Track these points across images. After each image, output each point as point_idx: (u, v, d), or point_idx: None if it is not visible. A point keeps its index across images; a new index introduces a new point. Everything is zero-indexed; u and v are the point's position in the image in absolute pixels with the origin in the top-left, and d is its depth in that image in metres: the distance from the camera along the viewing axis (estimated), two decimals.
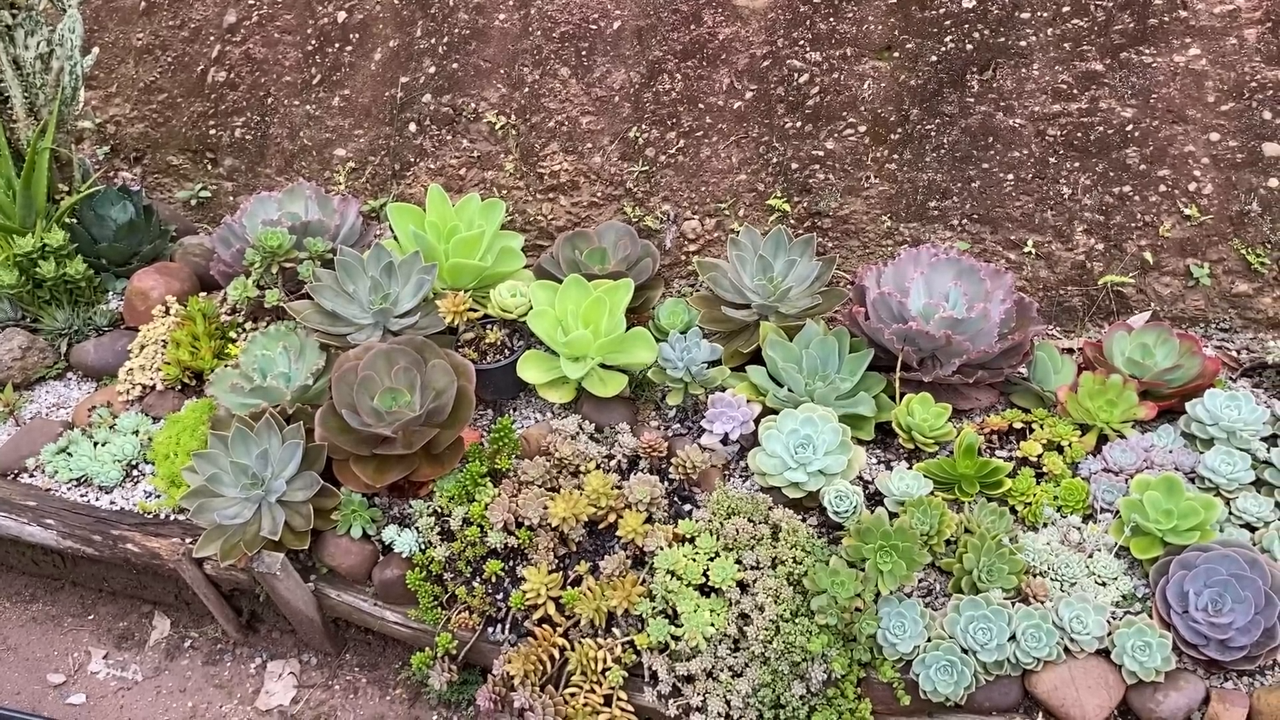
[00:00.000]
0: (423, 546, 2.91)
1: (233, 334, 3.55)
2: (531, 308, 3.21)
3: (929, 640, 2.54)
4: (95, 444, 3.35)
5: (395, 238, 3.74)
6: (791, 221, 3.78)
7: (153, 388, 3.46)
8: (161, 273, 3.80)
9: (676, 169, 3.92)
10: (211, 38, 4.57)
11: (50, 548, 3.25)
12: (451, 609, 2.89)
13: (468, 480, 2.91)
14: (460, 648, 2.84)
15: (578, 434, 3.03)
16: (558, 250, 3.45)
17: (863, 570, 2.55)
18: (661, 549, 2.73)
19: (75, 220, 3.90)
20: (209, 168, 4.52)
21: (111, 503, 3.24)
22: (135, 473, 3.31)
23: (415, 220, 3.52)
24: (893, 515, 2.75)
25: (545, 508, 2.83)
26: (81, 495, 3.28)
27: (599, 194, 4.02)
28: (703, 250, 3.88)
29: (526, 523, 2.83)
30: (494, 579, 2.85)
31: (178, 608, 3.35)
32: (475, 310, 3.21)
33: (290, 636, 3.24)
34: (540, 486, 2.91)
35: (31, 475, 3.37)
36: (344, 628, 3.20)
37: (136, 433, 3.35)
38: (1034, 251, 3.51)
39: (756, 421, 2.95)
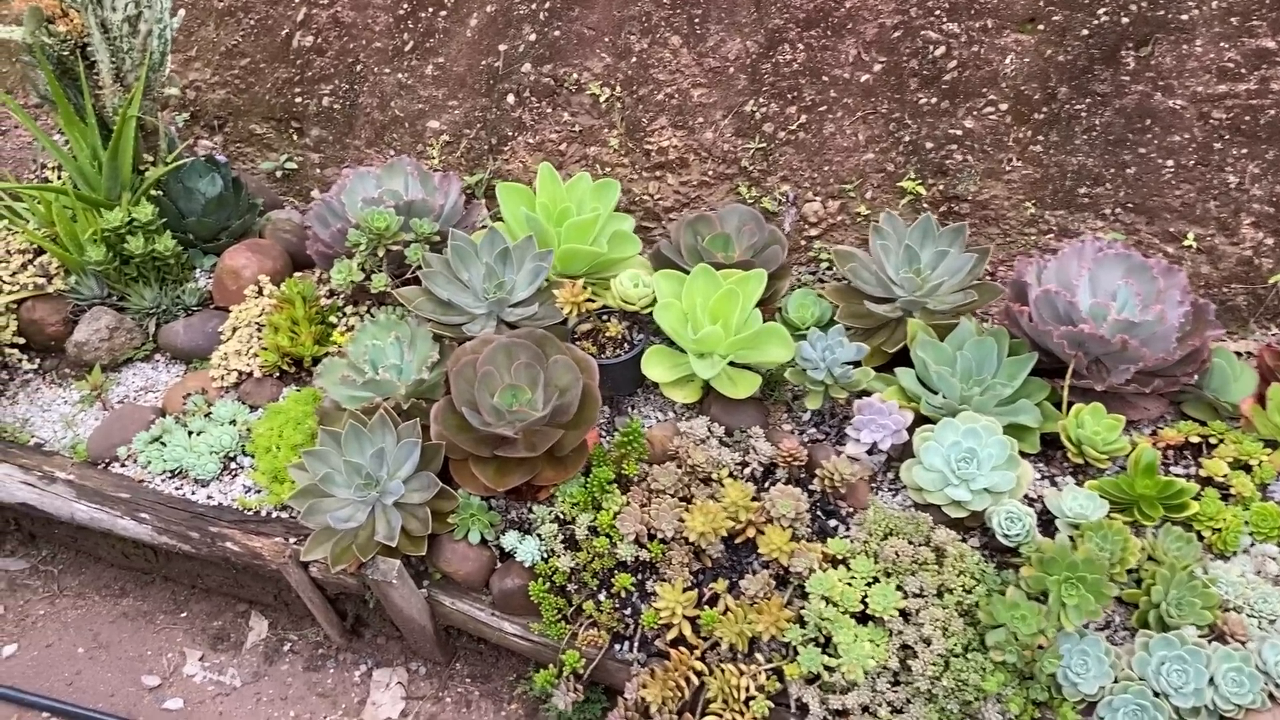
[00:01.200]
0: (545, 555, 2.70)
1: (332, 318, 3.33)
2: (655, 299, 2.97)
3: (1115, 681, 2.30)
4: (190, 433, 3.15)
5: (499, 219, 3.51)
6: (925, 206, 3.50)
7: (249, 374, 3.26)
8: (253, 250, 3.58)
9: (797, 146, 3.65)
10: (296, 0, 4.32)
11: (144, 543, 3.07)
12: (576, 623, 2.67)
13: (594, 486, 2.69)
14: (586, 665, 2.63)
15: (708, 438, 2.79)
16: (677, 235, 3.20)
17: (1043, 603, 2.30)
18: (813, 571, 2.49)
19: (161, 193, 3.69)
20: (294, 138, 4.29)
21: (209, 497, 3.04)
22: (233, 465, 3.12)
23: (526, 201, 3.28)
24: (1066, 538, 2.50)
25: (681, 520, 2.61)
26: (176, 488, 3.09)
27: (710, 172, 3.76)
28: (825, 235, 3.61)
29: (659, 535, 2.61)
30: (623, 594, 2.63)
31: (276, 608, 3.16)
32: (594, 301, 2.97)
33: (397, 643, 3.04)
34: (672, 495, 2.68)
35: (123, 465, 3.18)
36: (455, 636, 2.99)
37: (234, 422, 3.15)
38: (1195, 245, 3.21)
39: (909, 430, 2.69)
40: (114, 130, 3.62)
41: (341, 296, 3.38)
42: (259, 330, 3.35)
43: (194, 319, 3.49)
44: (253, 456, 3.09)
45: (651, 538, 2.62)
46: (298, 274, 3.57)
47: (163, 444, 3.14)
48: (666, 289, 2.96)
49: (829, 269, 3.55)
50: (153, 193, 3.67)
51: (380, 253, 3.17)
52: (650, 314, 2.98)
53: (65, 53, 3.52)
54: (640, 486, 2.72)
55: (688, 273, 3.07)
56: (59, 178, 3.87)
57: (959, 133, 3.46)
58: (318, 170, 4.23)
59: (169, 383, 3.45)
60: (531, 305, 2.98)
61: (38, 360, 3.56)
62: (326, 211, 3.39)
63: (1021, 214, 3.39)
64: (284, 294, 3.29)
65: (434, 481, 2.70)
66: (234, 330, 3.41)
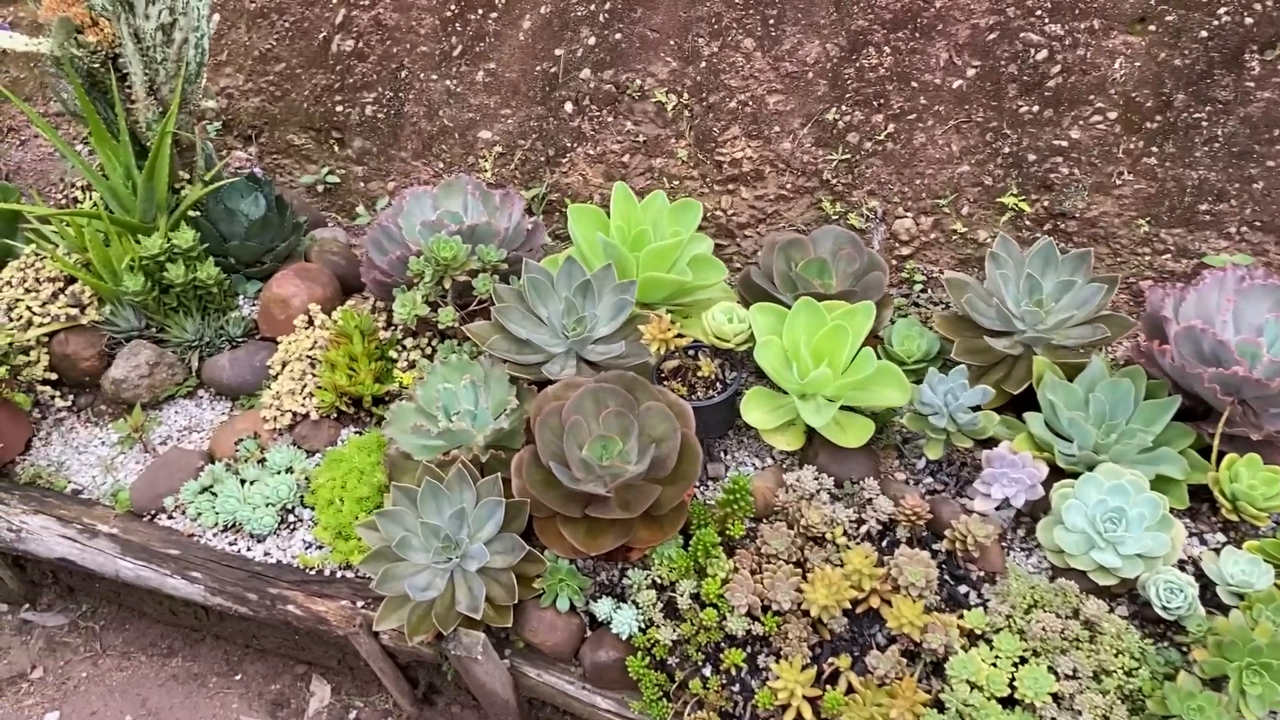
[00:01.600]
0: (643, 626, 2.45)
1: (392, 353, 3.07)
2: (751, 335, 2.71)
3: None
4: (243, 482, 2.90)
5: (560, 236, 3.24)
6: (1027, 223, 3.24)
7: (305, 416, 3.00)
8: (302, 276, 3.32)
9: (885, 158, 3.38)
10: (334, 0, 4.05)
11: (195, 603, 2.82)
12: (679, 701, 2.43)
13: (698, 550, 2.43)
14: None
15: (817, 491, 2.54)
16: (768, 261, 2.93)
17: (1218, 690, 2.05)
18: (950, 650, 2.24)
19: (199, 214, 3.43)
20: (335, 149, 4.02)
21: (266, 554, 2.79)
22: (291, 518, 2.87)
23: (599, 224, 3.01)
24: (1226, 608, 2.25)
25: (798, 590, 2.36)
26: (230, 542, 2.84)
27: (789, 185, 3.49)
28: (918, 254, 3.35)
29: (774, 607, 2.36)
30: (733, 670, 2.38)
31: (339, 672, 2.92)
32: (683, 336, 2.71)
33: (473, 712, 2.80)
34: (785, 560, 2.43)
35: (171, 516, 2.93)
36: (538, 707, 2.75)
37: (290, 470, 2.90)
38: None
39: (1045, 484, 2.44)
40: (149, 148, 3.36)
41: (400, 329, 3.12)
42: (312, 365, 3.10)
43: (239, 352, 3.23)
44: (313, 509, 2.84)
45: (765, 609, 2.37)
46: (349, 302, 3.31)
47: (213, 494, 2.89)
48: (765, 325, 2.70)
49: (923, 291, 3.28)
50: (190, 214, 3.41)
51: (446, 284, 2.91)
52: (742, 349, 2.72)
53: (95, 65, 3.25)
54: (748, 550, 2.47)
55: (781, 303, 2.82)
56: (88, 198, 3.60)
57: (1064, 144, 3.19)
58: (361, 184, 3.96)
59: (214, 421, 3.20)
60: (616, 342, 2.72)
61: (70, 397, 3.31)
62: (383, 237, 3.13)
63: (1134, 232, 3.12)
64: (340, 327, 3.03)
65: (519, 544, 2.45)
66: (284, 365, 3.15)
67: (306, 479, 2.88)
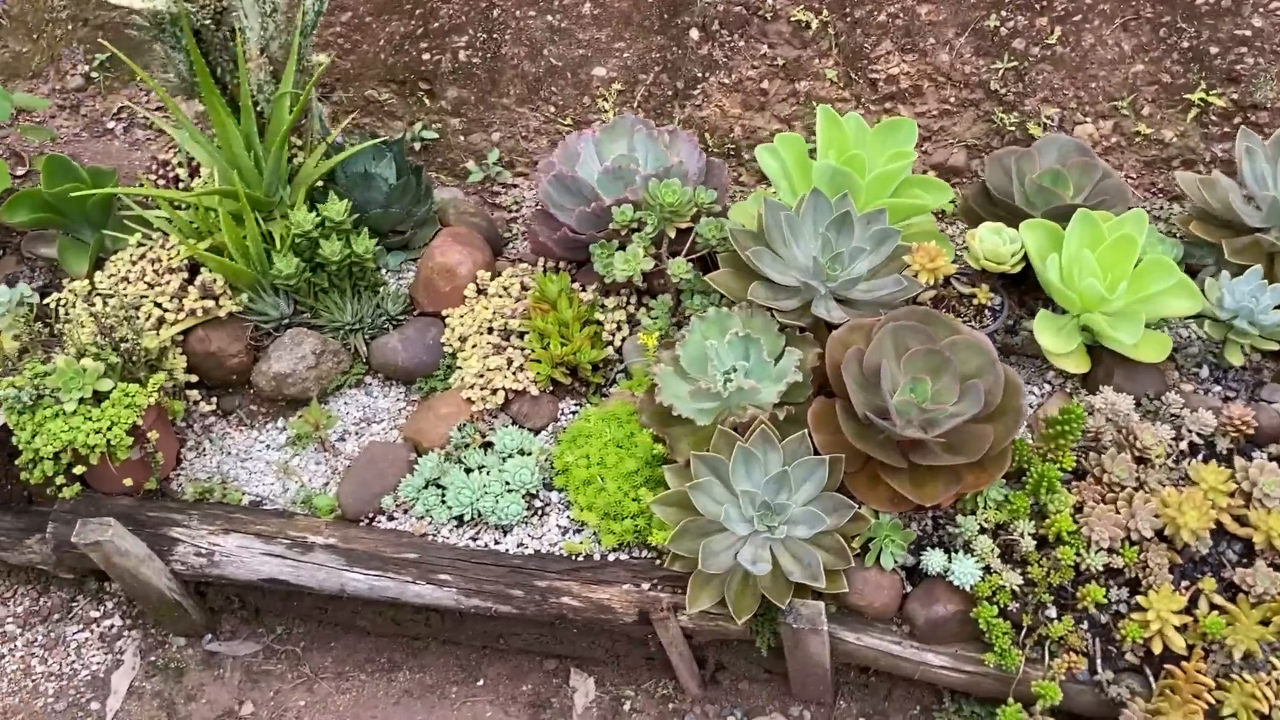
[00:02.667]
0: (982, 574, 2.29)
1: (597, 316, 2.80)
2: (1024, 256, 2.54)
3: None
4: (469, 471, 2.61)
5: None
6: (1214, 118, 3.13)
7: (521, 392, 2.71)
8: (462, 242, 3.00)
9: (1054, 62, 3.22)
10: None
11: (442, 609, 2.54)
12: (1026, 648, 2.28)
13: (1038, 487, 2.28)
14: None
15: (1128, 412, 2.40)
16: (1000, 177, 2.76)
17: None
18: None
19: (324, 185, 3.06)
20: (425, 101, 3.65)
21: (520, 545, 2.52)
22: (537, 503, 2.60)
23: (801, 155, 2.77)
24: None
25: (1157, 516, 2.23)
26: (471, 538, 2.56)
27: (951, 99, 3.31)
28: (1103, 159, 3.21)
29: (1133, 536, 2.23)
30: (1091, 607, 2.24)
31: (601, 662, 2.67)
32: (957, 262, 2.53)
33: (763, 687, 2.60)
34: (1132, 488, 2.30)
35: (392, 518, 2.63)
36: (839, 672, 2.57)
37: (525, 452, 2.62)
38: None
39: None
40: (263, 114, 2.97)
41: (596, 290, 2.85)
42: (504, 337, 2.81)
43: (408, 331, 2.90)
44: (562, 491, 2.58)
45: (1126, 540, 2.23)
46: (521, 264, 3.01)
47: (440, 487, 2.59)
48: (1037, 242, 2.53)
49: None
50: (318, 184, 3.04)
51: (671, 232, 2.65)
52: (1015, 271, 2.56)
53: (206, 20, 2.84)
54: (1089, 482, 2.32)
55: (1008, 219, 2.66)
56: (195, 179, 3.18)
57: (1247, 33, 3.09)
58: (461, 138, 3.61)
59: (391, 410, 2.88)
60: (882, 278, 2.51)
61: (214, 399, 2.93)
62: (559, 190, 2.83)
63: None
64: (542, 293, 2.74)
65: (844, 503, 2.26)
66: (462, 340, 2.84)
67: (548, 460, 2.60)
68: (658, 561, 2.46)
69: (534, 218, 2.92)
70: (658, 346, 2.54)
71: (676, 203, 2.59)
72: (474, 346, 2.82)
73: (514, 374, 2.71)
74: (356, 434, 2.85)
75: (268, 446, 2.86)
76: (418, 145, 3.63)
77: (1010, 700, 2.26)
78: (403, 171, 3.09)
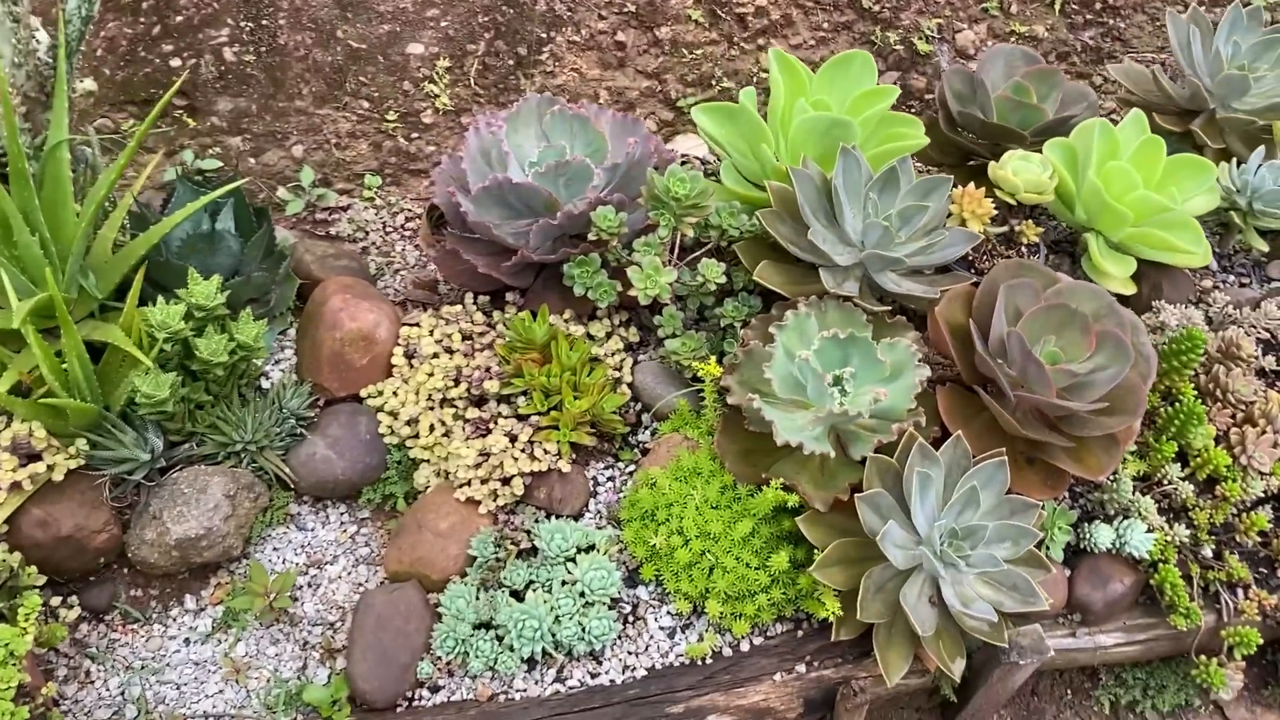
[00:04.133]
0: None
1: (595, 351, 2.21)
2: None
3: None
4: (516, 594, 1.96)
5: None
6: (1074, 7, 3.07)
7: (545, 472, 2.07)
8: (362, 295, 2.25)
9: None
10: None
11: None
12: (1196, 600, 2.09)
13: (1184, 424, 2.06)
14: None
15: (1200, 323, 2.26)
16: (954, 103, 2.48)
17: None
18: None
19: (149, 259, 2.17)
20: (187, 121, 2.74)
21: (626, 670, 1.93)
22: (622, 608, 2.00)
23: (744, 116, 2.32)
24: None
25: None
26: (555, 681, 1.92)
27: (825, 25, 3.00)
28: None
29: None
30: (1255, 537, 2.09)
31: None
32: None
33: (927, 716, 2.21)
34: (1248, 401, 2.15)
35: (437, 688, 1.91)
36: None
37: (589, 548, 2.00)
38: None
39: None
40: (42, 166, 2.03)
41: (571, 318, 2.25)
42: (473, 406, 2.14)
43: (332, 429, 2.14)
44: (652, 583, 2.00)
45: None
46: (413, 315, 2.32)
47: (491, 626, 1.92)
48: (1063, 163, 2.30)
49: None
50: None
51: (688, 231, 2.11)
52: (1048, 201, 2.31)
53: None
54: (1222, 406, 2.14)
55: (985, 149, 2.43)
56: None
57: None
58: (252, 161, 2.75)
59: (341, 541, 2.12)
60: (942, 236, 2.15)
61: (75, 598, 2.00)
62: (491, 204, 2.19)
63: None
64: (523, 339, 2.10)
65: (1024, 504, 1.91)
66: (411, 424, 2.14)
67: (620, 548, 2.01)
68: (799, 632, 1.98)
69: (469, 243, 2.23)
70: (724, 372, 2.02)
71: (689, 194, 2.05)
72: (433, 428, 2.12)
73: (527, 451, 2.07)
74: (310, 586, 2.07)
75: (188, 641, 2.00)
76: (192, 178, 2.71)
77: (1201, 657, 2.07)
78: (247, 221, 2.25)
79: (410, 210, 2.73)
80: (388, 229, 2.68)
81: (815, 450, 1.86)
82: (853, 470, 1.94)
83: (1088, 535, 2.04)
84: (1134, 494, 2.05)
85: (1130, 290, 2.31)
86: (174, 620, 2.02)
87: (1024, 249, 2.31)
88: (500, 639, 1.91)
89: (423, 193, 2.77)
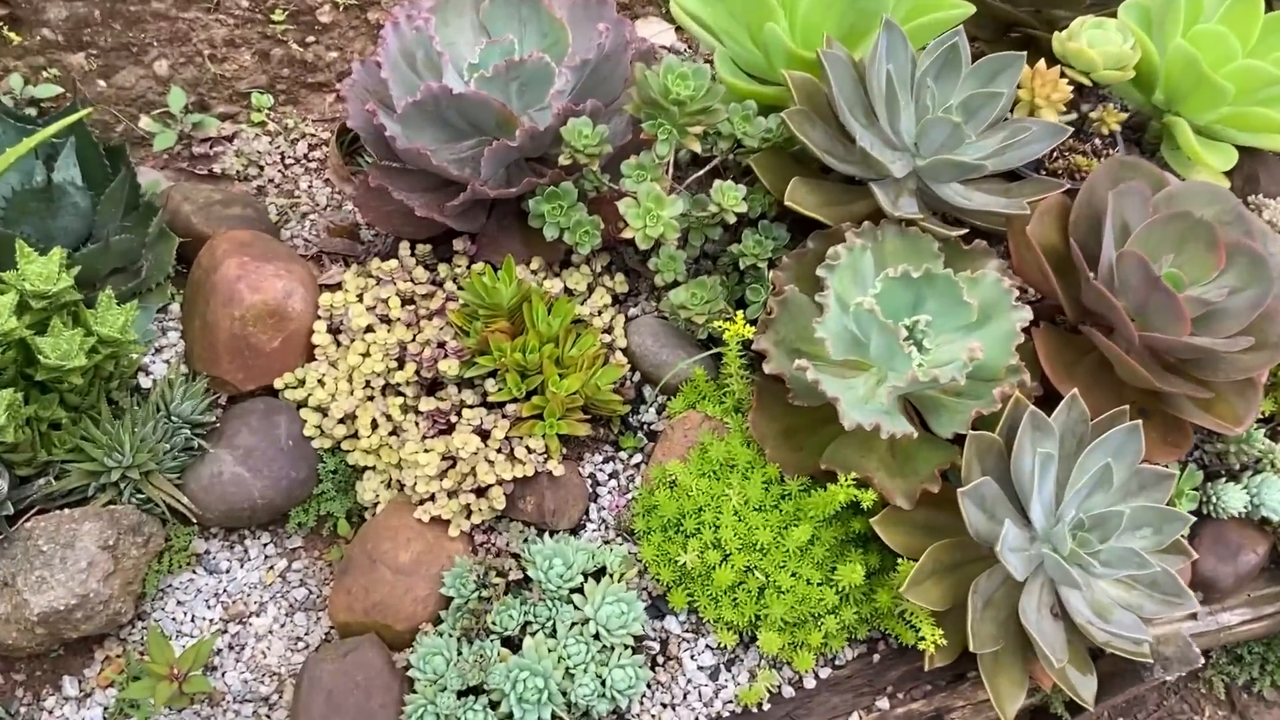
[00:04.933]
0: None
1: (578, 310, 1.70)
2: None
3: None
4: (510, 641, 1.48)
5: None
6: None
7: (531, 478, 1.57)
8: (265, 256, 1.70)
9: None
10: None
11: None
12: None
13: None
14: None
15: None
16: None
17: None
18: None
19: None
20: (10, 35, 2.10)
21: None
22: (647, 644, 1.54)
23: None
24: None
25: None
26: None
27: None
28: None
29: None
30: None
31: None
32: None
33: None
34: None
35: None
36: None
37: (599, 572, 1.53)
38: None
39: None
40: None
41: (541, 268, 1.73)
42: (424, 393, 1.63)
43: (242, 437, 1.61)
44: (684, 613, 1.54)
45: None
46: (343, 271, 1.78)
47: (480, 693, 1.45)
48: (1140, 30, 1.82)
49: None
50: None
51: (695, 146, 1.59)
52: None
53: None
54: None
55: (1013, 18, 1.95)
56: None
57: None
58: (102, 84, 2.14)
59: (266, 582, 1.62)
60: (1017, 129, 1.66)
61: None
62: (424, 123, 1.64)
63: None
64: (485, 301, 1.58)
65: (1157, 475, 1.48)
66: (347, 422, 1.63)
67: (644, 569, 1.54)
68: (875, 656, 1.55)
69: (374, 178, 1.68)
70: (757, 330, 1.53)
71: (694, 95, 1.53)
72: (377, 425, 1.61)
73: (504, 452, 1.57)
74: (232, 649, 1.56)
75: None
76: (33, 109, 2.10)
77: None
78: (97, 166, 1.67)
79: (314, 135, 2.16)
80: (287, 160, 2.11)
81: (895, 432, 1.39)
82: (934, 451, 1.49)
83: (1213, 497, 1.63)
84: (1265, 442, 1.63)
85: (1225, 185, 1.86)
86: (50, 714, 1.50)
87: (1098, 142, 1.84)
88: (495, 706, 1.44)
89: (328, 112, 2.20)
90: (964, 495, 1.37)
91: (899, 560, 1.44)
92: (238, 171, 2.09)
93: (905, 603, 1.44)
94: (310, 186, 2.08)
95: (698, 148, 1.58)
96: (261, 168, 2.10)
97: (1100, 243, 1.53)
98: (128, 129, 2.10)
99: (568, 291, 1.71)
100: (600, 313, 1.71)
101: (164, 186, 1.89)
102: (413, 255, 1.77)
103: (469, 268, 1.71)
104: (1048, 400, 1.50)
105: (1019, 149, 1.61)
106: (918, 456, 1.49)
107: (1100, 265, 1.51)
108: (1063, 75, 1.74)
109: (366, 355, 1.65)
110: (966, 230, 1.57)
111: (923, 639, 1.42)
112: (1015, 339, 1.46)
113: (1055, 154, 1.82)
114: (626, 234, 1.54)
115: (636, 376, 1.72)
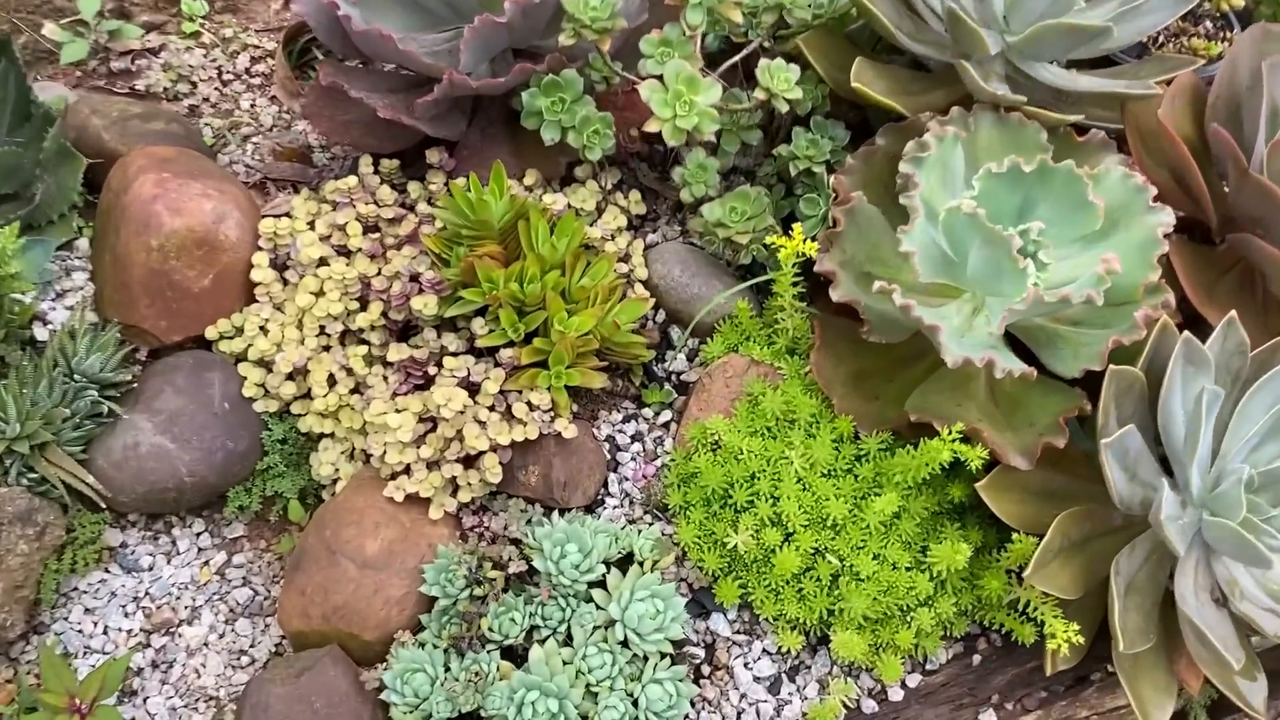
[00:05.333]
0: None
1: (589, 232, 1.36)
2: None
3: None
4: (513, 651, 1.15)
5: None
6: None
7: (535, 441, 1.23)
8: (190, 173, 1.35)
9: None
10: None
11: None
12: None
13: None
14: None
15: None
16: None
17: None
18: None
19: None
20: None
21: None
22: (687, 649, 1.20)
23: None
24: None
25: None
26: None
27: None
28: None
29: None
30: None
31: None
32: None
33: None
34: None
35: None
36: None
37: (626, 559, 1.19)
38: None
39: None
40: None
41: (538, 182, 1.39)
42: (393, 339, 1.29)
43: (166, 399, 1.26)
44: (727, 611, 1.21)
45: None
46: (291, 199, 1.42)
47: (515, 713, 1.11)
48: None
49: None
50: None
51: (736, 17, 1.25)
52: None
53: None
54: None
55: None
56: None
57: None
58: None
59: (199, 580, 1.28)
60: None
61: None
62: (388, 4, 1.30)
63: None
64: (472, 221, 1.24)
65: None
66: (296, 378, 1.29)
67: (682, 554, 1.20)
68: (975, 656, 1.23)
69: (328, 77, 1.33)
70: (819, 249, 1.19)
71: None
72: (334, 382, 1.27)
73: (499, 409, 1.23)
74: (157, 667, 1.22)
75: None
76: None
77: None
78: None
79: (257, 46, 1.81)
80: (225, 76, 1.76)
81: (1012, 369, 1.06)
82: (1048, 396, 1.17)
83: None
84: None
85: None
86: None
87: (1209, 24, 1.52)
88: None
89: (274, 20, 1.85)
90: (1107, 449, 1.04)
91: (1012, 535, 1.12)
92: (165, 89, 1.73)
93: (1020, 590, 1.12)
94: (253, 105, 1.73)
95: (738, 17, 1.23)
96: (194, 84, 1.74)
97: (1245, 132, 1.21)
98: (31, 40, 1.73)
99: (574, 211, 1.37)
100: (614, 237, 1.37)
101: (70, 101, 1.53)
102: (376, 173, 1.42)
103: (446, 186, 1.36)
104: (1189, 328, 1.18)
105: (1137, 18, 1.27)
106: (1030, 403, 1.16)
107: (1254, 158, 1.18)
108: None
109: (320, 294, 1.31)
110: (1081, 117, 1.24)
111: (1049, 636, 1.09)
112: (1157, 248, 1.12)
113: (1160, 38, 1.49)
114: (651, 127, 1.20)
115: (661, 316, 1.39)
